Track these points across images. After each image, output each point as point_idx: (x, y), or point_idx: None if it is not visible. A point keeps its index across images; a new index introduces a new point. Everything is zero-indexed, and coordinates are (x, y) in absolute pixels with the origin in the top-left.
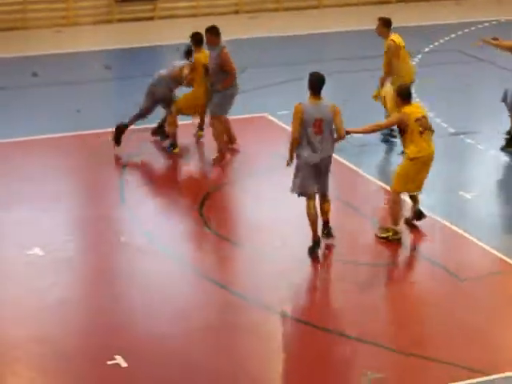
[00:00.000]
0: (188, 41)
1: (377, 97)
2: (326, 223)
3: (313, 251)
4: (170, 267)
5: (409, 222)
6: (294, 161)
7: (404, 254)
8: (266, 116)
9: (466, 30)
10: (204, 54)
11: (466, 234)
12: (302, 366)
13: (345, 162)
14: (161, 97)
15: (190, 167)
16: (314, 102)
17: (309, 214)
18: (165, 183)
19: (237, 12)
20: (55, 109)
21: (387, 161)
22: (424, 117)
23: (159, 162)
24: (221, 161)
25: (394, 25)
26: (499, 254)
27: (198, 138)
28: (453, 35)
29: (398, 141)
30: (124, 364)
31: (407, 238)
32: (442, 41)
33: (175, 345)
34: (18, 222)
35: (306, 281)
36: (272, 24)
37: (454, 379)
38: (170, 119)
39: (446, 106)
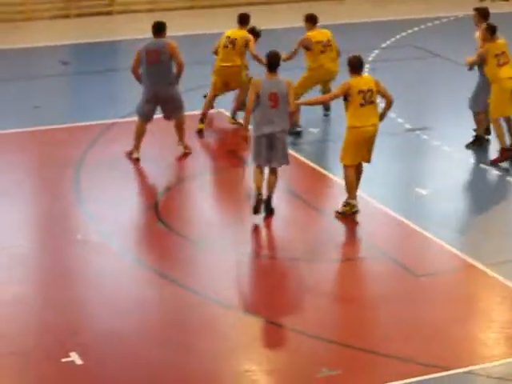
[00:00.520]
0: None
1: None
2: (268, 198)
3: (255, 211)
4: (124, 265)
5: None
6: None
7: (360, 249)
8: (221, 112)
9: (422, 26)
10: None
11: (422, 230)
12: (257, 362)
13: (301, 157)
14: None
15: (146, 164)
16: (270, 77)
17: (254, 180)
18: (121, 180)
19: (192, 7)
20: (12, 105)
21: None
22: (369, 90)
23: (116, 159)
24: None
25: (350, 21)
26: (455, 250)
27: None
28: (409, 31)
29: None
30: (79, 361)
31: (363, 233)
32: (398, 36)
33: (130, 342)
34: None
35: (259, 277)
36: (229, 18)
37: (411, 375)
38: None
39: (402, 102)
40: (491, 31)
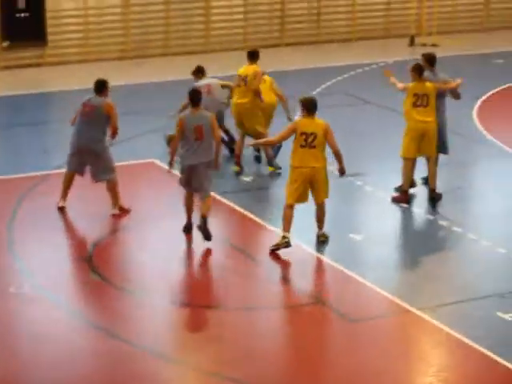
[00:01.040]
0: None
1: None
2: (203, 220)
3: (186, 232)
4: (58, 316)
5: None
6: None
7: (294, 296)
8: (153, 162)
9: (352, 73)
10: None
11: (357, 276)
12: None
13: (234, 204)
14: None
15: (80, 216)
16: (193, 112)
17: (184, 204)
18: (54, 232)
19: (124, 58)
20: None
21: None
22: (313, 134)
23: (49, 211)
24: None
25: (283, 68)
26: (390, 295)
27: None
28: (339, 78)
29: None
30: None
31: (298, 280)
32: (329, 83)
33: None
34: None
35: (195, 327)
36: (157, 69)
37: None
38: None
39: None
40: (419, 71)
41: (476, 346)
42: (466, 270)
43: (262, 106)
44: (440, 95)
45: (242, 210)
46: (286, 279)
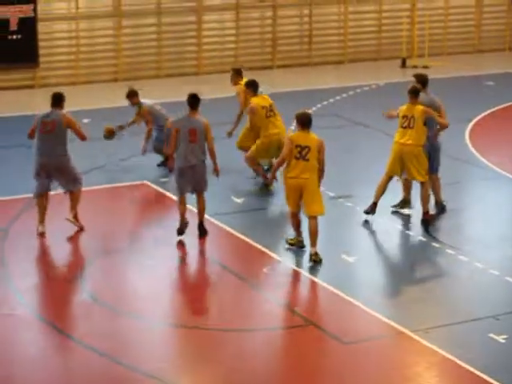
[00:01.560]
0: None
1: None
2: (200, 222)
3: (180, 234)
4: (52, 338)
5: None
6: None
7: (287, 318)
8: (146, 183)
9: (344, 95)
10: None
11: (349, 298)
12: None
13: (225, 226)
14: None
15: (70, 236)
16: (190, 116)
17: (179, 208)
18: (47, 253)
19: (116, 80)
20: None
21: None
22: (307, 147)
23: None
24: None
25: (275, 90)
26: (382, 317)
27: None
28: (331, 100)
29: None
30: None
31: (290, 302)
32: (319, 105)
33: None
34: None
35: (189, 349)
36: (152, 91)
37: None
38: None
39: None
40: (415, 94)
41: (469, 368)
42: (459, 292)
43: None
44: (430, 120)
45: (234, 232)
46: (278, 301)
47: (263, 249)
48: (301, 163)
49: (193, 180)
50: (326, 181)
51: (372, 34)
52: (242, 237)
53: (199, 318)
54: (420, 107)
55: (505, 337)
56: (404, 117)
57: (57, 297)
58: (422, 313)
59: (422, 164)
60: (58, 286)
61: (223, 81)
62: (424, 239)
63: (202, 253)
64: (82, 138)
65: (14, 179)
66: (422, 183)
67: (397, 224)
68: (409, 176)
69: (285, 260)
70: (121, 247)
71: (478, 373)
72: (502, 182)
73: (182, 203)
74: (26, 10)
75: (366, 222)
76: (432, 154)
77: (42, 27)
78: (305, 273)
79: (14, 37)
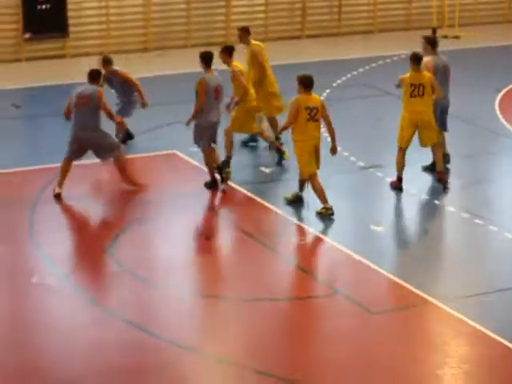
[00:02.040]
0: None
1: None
2: (218, 167)
3: (210, 187)
4: (82, 308)
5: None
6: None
7: (315, 288)
8: (175, 153)
9: (373, 65)
10: None
11: (377, 267)
12: None
13: (254, 195)
14: None
15: (101, 205)
16: (211, 74)
17: (211, 161)
18: (77, 222)
19: (145, 49)
20: None
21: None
22: (315, 108)
23: (72, 201)
24: None
25: (304, 60)
26: (410, 287)
27: None
28: (360, 69)
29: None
30: None
31: (318, 271)
32: (349, 75)
33: None
34: None
35: (217, 318)
36: (180, 60)
37: None
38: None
39: (354, 141)
40: (414, 60)
41: (497, 338)
42: (489, 262)
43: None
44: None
45: (264, 202)
46: (305, 270)
47: (292, 219)
48: (312, 124)
49: (215, 135)
50: (355, 151)
51: (402, 4)
52: (271, 206)
53: (227, 287)
54: (427, 74)
55: None
56: (412, 85)
57: (87, 265)
58: (450, 282)
59: (433, 129)
60: (88, 255)
61: None
62: (453, 209)
63: (231, 223)
64: (111, 116)
65: (44, 149)
66: (435, 145)
67: (426, 194)
68: (420, 144)
69: (313, 230)
70: (150, 216)
71: (506, 343)
72: None
73: (212, 155)
74: None
75: (395, 193)
76: (441, 113)
77: None
78: (333, 242)
79: (44, 7)
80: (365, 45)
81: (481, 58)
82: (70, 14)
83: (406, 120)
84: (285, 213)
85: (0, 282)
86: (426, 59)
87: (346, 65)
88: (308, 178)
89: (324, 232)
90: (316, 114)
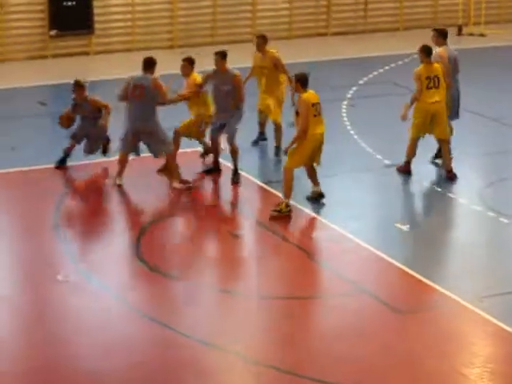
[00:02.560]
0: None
1: None
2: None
3: (211, 172)
4: (105, 305)
5: (309, 199)
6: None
7: (341, 286)
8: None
9: (399, 62)
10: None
11: (403, 266)
12: None
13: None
14: None
15: (127, 201)
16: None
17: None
18: (102, 219)
19: (171, 47)
20: None
21: None
22: (318, 103)
23: (96, 198)
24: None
25: (329, 57)
26: (436, 286)
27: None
28: (386, 67)
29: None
30: None
31: (343, 270)
32: (375, 73)
33: (113, 383)
34: None
35: (242, 316)
36: (205, 58)
37: None
38: None
39: (379, 138)
40: (426, 53)
41: None
42: None
43: None
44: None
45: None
46: (330, 268)
47: (318, 216)
48: (319, 120)
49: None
50: (381, 149)
51: (428, 1)
52: (295, 203)
53: (253, 285)
54: (439, 66)
55: None
56: (427, 78)
57: (112, 262)
58: (476, 282)
59: (445, 123)
60: (113, 251)
61: (278, 48)
62: (478, 208)
63: (255, 221)
64: (164, 102)
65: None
66: (444, 141)
67: (451, 193)
68: (436, 136)
69: (339, 228)
70: (176, 212)
71: None
72: None
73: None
74: None
75: (421, 191)
76: (452, 102)
77: None
78: (358, 241)
79: (69, 3)
80: (391, 42)
81: (506, 56)
82: (95, 11)
83: (421, 110)
84: (309, 209)
85: (26, 278)
86: (440, 50)
87: (372, 62)
88: (290, 171)
89: (349, 230)
90: (320, 108)
